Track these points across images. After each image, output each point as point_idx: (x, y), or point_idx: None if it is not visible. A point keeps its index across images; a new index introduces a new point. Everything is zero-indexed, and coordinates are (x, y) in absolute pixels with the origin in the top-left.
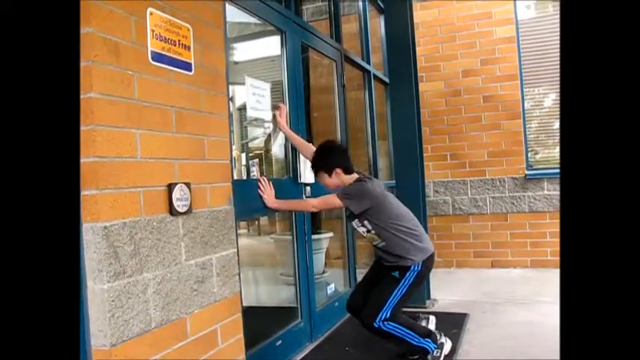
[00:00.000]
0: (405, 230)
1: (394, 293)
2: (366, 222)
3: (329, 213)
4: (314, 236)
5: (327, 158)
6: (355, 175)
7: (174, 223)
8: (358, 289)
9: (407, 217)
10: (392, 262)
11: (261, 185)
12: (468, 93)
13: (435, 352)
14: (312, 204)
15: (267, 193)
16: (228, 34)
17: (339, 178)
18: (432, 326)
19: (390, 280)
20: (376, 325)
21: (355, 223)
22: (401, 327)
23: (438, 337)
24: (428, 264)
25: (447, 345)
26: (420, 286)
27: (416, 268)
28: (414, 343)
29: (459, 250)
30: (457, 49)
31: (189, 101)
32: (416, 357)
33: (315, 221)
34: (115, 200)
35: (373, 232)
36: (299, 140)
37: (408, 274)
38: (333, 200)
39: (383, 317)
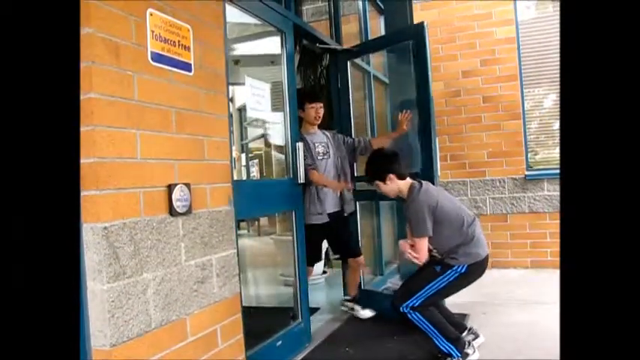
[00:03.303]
0: (454, 233)
1: (430, 285)
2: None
3: None
4: None
5: (378, 167)
6: (409, 181)
7: (174, 223)
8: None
9: (457, 219)
10: (436, 256)
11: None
12: (467, 93)
13: None
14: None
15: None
16: (228, 35)
17: (394, 183)
18: (473, 342)
19: (430, 271)
20: (402, 310)
21: None
22: (426, 321)
23: (466, 347)
24: (475, 268)
25: (473, 357)
26: (461, 288)
27: (459, 269)
28: (437, 342)
29: None
30: (457, 50)
31: (189, 102)
32: (440, 355)
33: None
34: (115, 201)
35: (435, 251)
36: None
37: (449, 271)
38: (422, 244)
39: (411, 304)
